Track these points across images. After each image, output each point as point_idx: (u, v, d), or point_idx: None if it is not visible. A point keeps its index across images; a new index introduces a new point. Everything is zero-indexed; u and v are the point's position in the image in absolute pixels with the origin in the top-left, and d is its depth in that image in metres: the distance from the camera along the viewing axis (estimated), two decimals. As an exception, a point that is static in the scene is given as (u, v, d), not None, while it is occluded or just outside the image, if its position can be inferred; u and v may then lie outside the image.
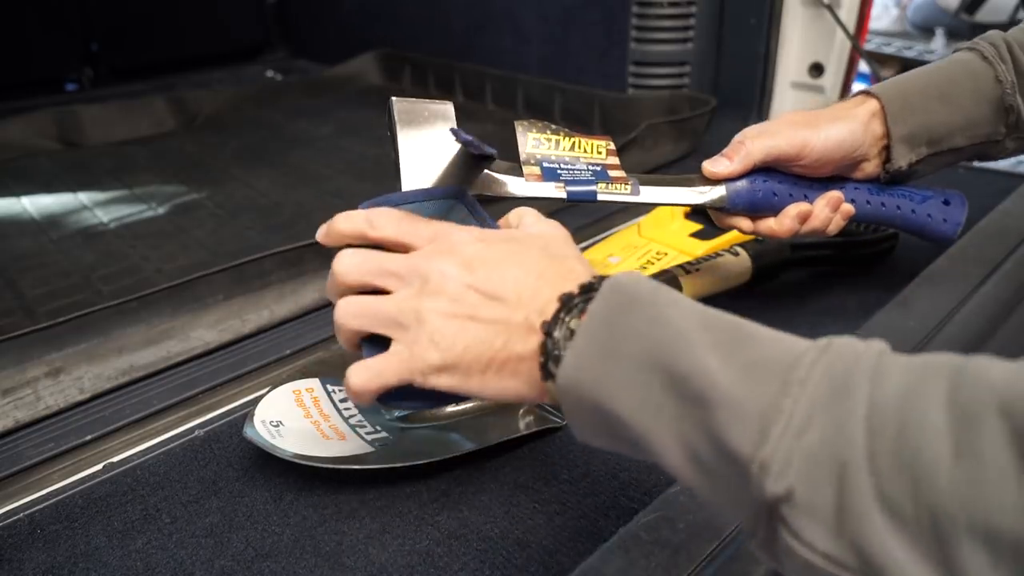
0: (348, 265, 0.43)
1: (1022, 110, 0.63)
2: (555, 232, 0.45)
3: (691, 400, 0.32)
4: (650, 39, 1.30)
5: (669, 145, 1.20)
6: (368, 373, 0.41)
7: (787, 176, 0.64)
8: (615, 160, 0.61)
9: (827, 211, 0.63)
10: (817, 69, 1.25)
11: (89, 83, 1.94)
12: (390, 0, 1.83)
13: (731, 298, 0.76)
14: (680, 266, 0.73)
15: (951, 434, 0.26)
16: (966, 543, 0.25)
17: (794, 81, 1.28)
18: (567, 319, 0.37)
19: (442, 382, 0.40)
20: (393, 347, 0.41)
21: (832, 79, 1.24)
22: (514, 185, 0.57)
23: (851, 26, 1.20)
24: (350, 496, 0.55)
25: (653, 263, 0.81)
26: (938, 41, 2.58)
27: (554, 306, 0.38)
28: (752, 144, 0.62)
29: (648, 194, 0.61)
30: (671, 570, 0.42)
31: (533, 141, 0.58)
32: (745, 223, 0.65)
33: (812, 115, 0.63)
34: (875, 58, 1.71)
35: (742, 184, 0.63)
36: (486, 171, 0.56)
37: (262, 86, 1.92)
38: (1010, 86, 0.62)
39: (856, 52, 1.22)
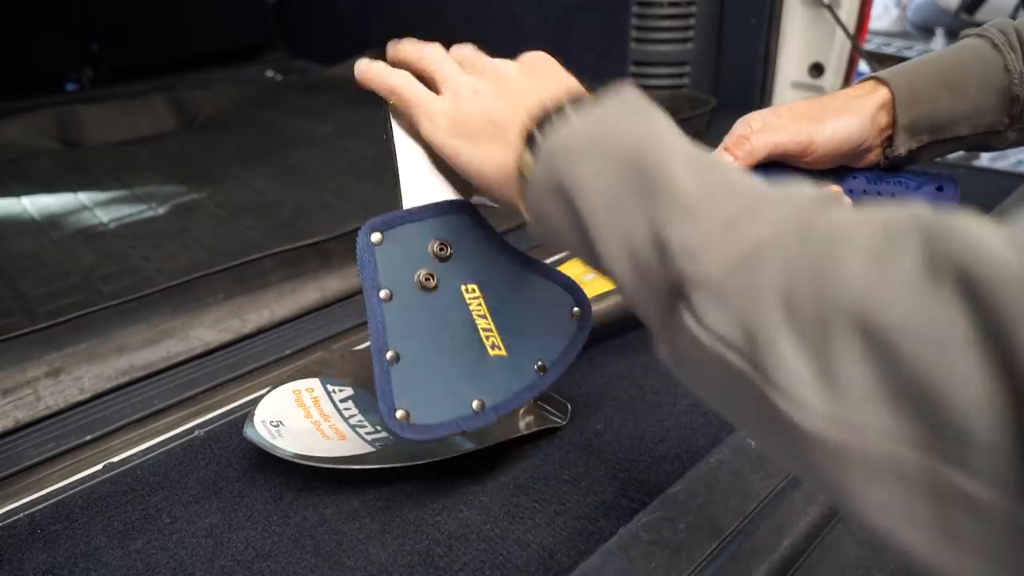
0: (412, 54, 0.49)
1: None
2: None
3: (648, 194, 0.34)
4: (650, 39, 1.30)
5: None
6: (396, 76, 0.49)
7: (788, 168, 0.64)
8: None
9: None
10: (817, 69, 1.25)
11: (89, 83, 1.94)
12: (390, 0, 1.83)
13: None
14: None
15: (871, 248, 0.27)
16: (846, 334, 0.26)
17: (794, 81, 1.28)
18: (567, 107, 0.40)
19: (443, 134, 0.46)
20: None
21: (832, 79, 1.24)
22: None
23: (851, 26, 1.20)
24: (350, 496, 0.55)
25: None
26: (938, 41, 2.58)
27: (559, 95, 0.42)
28: (757, 140, 0.61)
29: None
30: (671, 570, 0.42)
31: None
32: None
33: (819, 107, 0.62)
34: (875, 58, 1.71)
35: None
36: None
37: (262, 86, 1.93)
38: (1018, 76, 0.61)
39: (856, 52, 1.22)
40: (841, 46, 1.21)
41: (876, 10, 2.62)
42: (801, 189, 0.33)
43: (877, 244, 0.27)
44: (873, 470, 0.25)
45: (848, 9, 1.20)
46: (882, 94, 0.62)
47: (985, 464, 0.23)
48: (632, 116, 0.38)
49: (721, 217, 0.32)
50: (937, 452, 0.24)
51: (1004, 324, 0.22)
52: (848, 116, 0.61)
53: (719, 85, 1.33)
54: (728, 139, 0.62)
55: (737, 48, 1.29)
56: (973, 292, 0.23)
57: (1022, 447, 0.22)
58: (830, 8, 1.19)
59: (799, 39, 1.24)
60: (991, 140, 0.65)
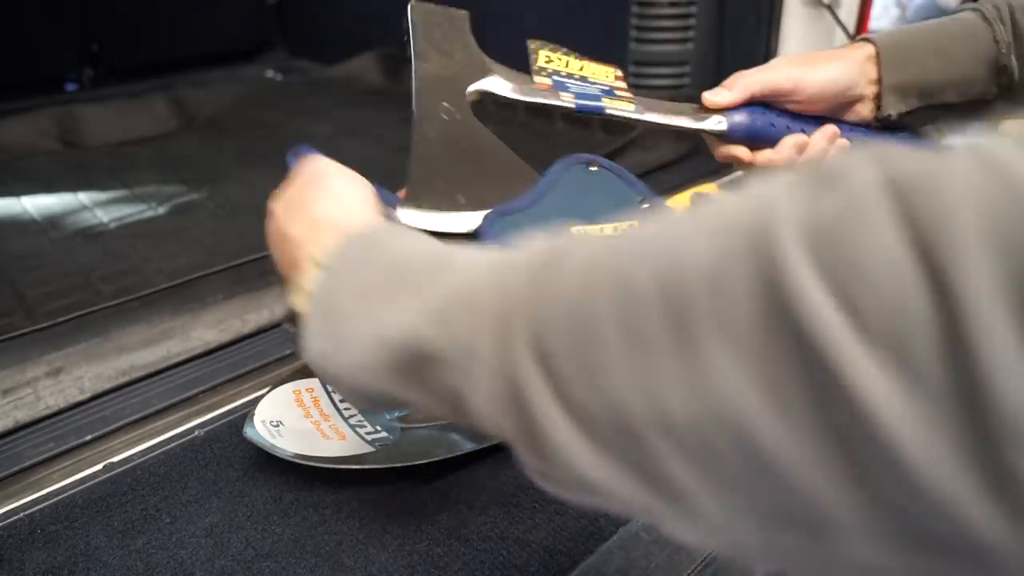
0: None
1: (1015, 73, 0.64)
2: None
3: (414, 371, 0.32)
4: (650, 39, 1.30)
5: (669, 145, 1.20)
6: None
7: (784, 112, 0.66)
8: (622, 84, 0.62)
9: (824, 143, 0.65)
10: (817, 69, 1.25)
11: (89, 83, 1.94)
12: (390, 0, 1.83)
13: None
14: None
15: (618, 323, 0.24)
16: (653, 439, 0.23)
17: (794, 81, 1.28)
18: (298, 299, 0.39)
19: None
20: None
21: (832, 79, 1.24)
22: (525, 92, 0.58)
23: (851, 26, 1.20)
24: (350, 496, 0.55)
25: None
26: (938, 41, 2.58)
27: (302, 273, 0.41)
28: (750, 76, 0.64)
29: (651, 115, 0.62)
30: (671, 570, 0.42)
31: (544, 57, 0.60)
32: (743, 152, 0.66)
33: (809, 55, 0.65)
34: (875, 58, 1.71)
35: (741, 114, 0.65)
36: (496, 75, 0.56)
37: (262, 86, 1.93)
38: (1006, 47, 0.63)
39: (856, 52, 1.22)
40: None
41: (876, 10, 2.61)
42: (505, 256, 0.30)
43: (622, 320, 0.24)
44: None
45: (848, 9, 1.20)
46: (868, 48, 0.65)
47: None
48: (342, 290, 0.35)
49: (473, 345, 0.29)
50: None
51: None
52: (836, 61, 0.64)
53: (719, 85, 1.33)
54: (725, 81, 0.65)
55: (737, 48, 1.29)
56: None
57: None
58: (830, 8, 1.19)
59: (799, 39, 1.24)
60: (981, 109, 0.67)
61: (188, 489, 0.56)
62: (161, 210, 1.19)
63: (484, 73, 0.56)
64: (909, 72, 0.64)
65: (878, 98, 0.66)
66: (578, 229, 0.33)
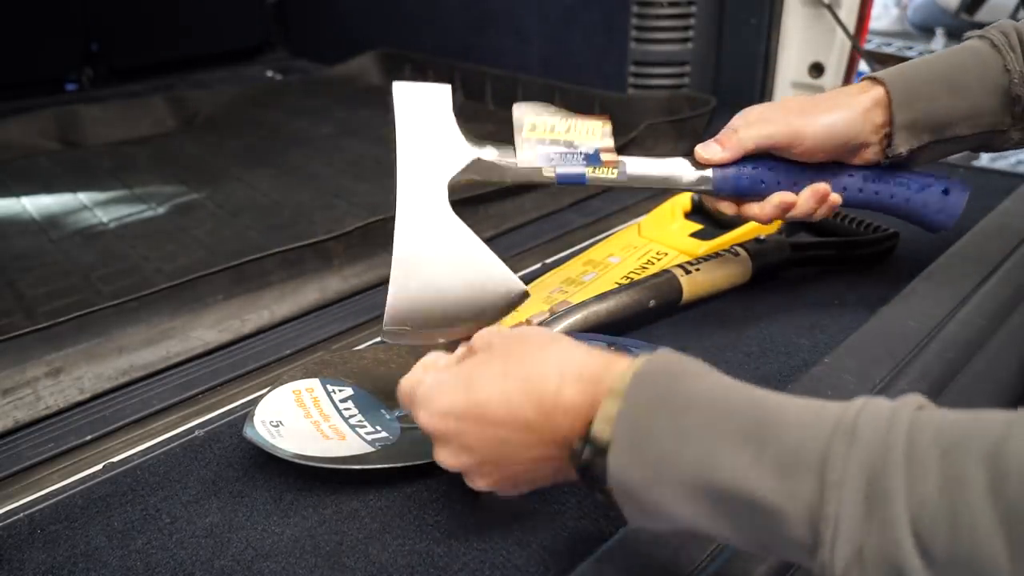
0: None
1: None
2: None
3: (739, 515, 0.33)
4: (650, 39, 1.30)
5: (669, 145, 1.20)
6: None
7: (779, 161, 0.65)
8: (610, 142, 0.61)
9: (811, 202, 0.63)
10: (817, 69, 1.25)
11: (89, 83, 1.94)
12: (390, 0, 1.83)
13: (731, 298, 0.76)
14: (680, 266, 0.73)
15: (1003, 535, 0.26)
16: None
17: (794, 81, 1.28)
18: (589, 455, 0.38)
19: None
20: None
21: (832, 79, 1.24)
22: (505, 171, 0.58)
23: (851, 26, 1.20)
24: (350, 496, 0.55)
25: (653, 263, 0.81)
26: (938, 41, 2.58)
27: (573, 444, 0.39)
28: (745, 133, 0.62)
29: (635, 179, 0.62)
30: (671, 570, 0.42)
31: (530, 126, 0.60)
32: (729, 207, 0.65)
33: (810, 102, 0.63)
34: (875, 58, 1.71)
35: (730, 170, 0.64)
36: (478, 156, 0.56)
37: (262, 86, 1.92)
38: (1018, 76, 0.61)
39: (856, 52, 1.22)
40: (841, 46, 1.21)
41: (876, 10, 2.61)
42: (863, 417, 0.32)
43: (1007, 534, 0.27)
44: None
45: (848, 9, 1.20)
46: (876, 92, 0.63)
47: None
48: (658, 433, 0.36)
49: (818, 515, 0.31)
50: None
51: None
52: (838, 111, 0.62)
53: (719, 85, 1.33)
54: (720, 133, 0.64)
55: (737, 48, 1.29)
56: None
57: None
58: (830, 8, 1.19)
59: (799, 39, 1.24)
60: (994, 140, 0.65)
61: (188, 489, 0.56)
62: (161, 210, 1.19)
63: (466, 159, 0.56)
64: (920, 108, 0.62)
65: (887, 139, 0.64)
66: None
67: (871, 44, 2.57)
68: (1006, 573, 0.26)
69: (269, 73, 2.09)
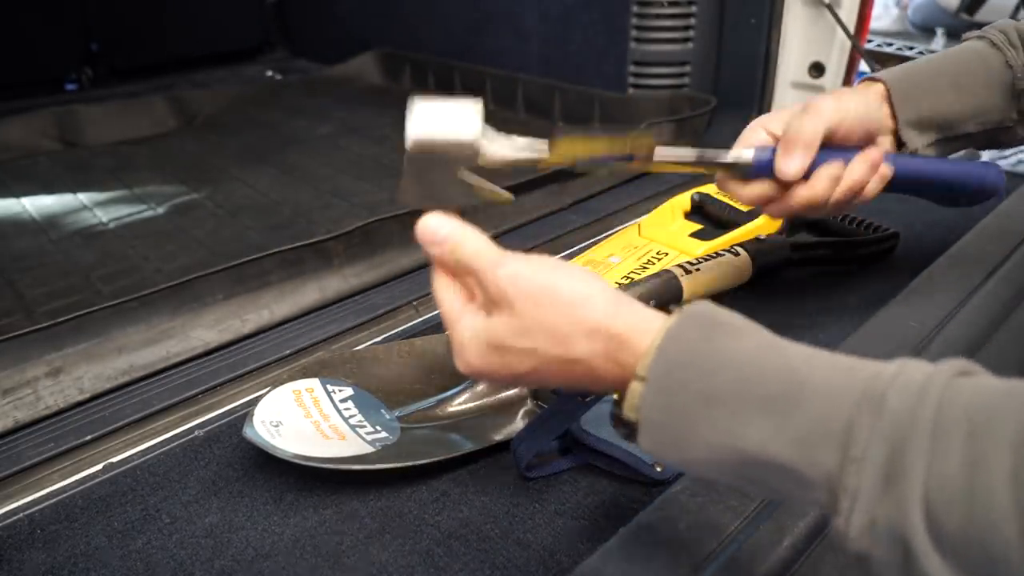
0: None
1: None
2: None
3: (762, 477, 0.35)
4: (650, 39, 1.30)
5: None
6: None
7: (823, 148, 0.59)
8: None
9: (863, 169, 0.59)
10: (817, 69, 1.25)
11: (89, 83, 1.94)
12: (390, 0, 1.83)
13: (731, 298, 0.76)
14: (680, 266, 0.73)
15: (1019, 521, 0.27)
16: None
17: (794, 81, 1.28)
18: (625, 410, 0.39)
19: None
20: None
21: (832, 79, 1.24)
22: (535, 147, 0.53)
23: (851, 26, 1.20)
24: (350, 496, 0.55)
25: (653, 263, 0.81)
26: (938, 41, 2.58)
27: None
28: (803, 129, 0.58)
29: (669, 156, 0.56)
30: (671, 570, 0.42)
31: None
32: (772, 189, 0.59)
33: (825, 94, 0.62)
34: (875, 58, 1.71)
35: (766, 148, 0.59)
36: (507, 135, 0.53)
37: (262, 86, 1.92)
38: (1020, 71, 0.61)
39: (856, 52, 1.22)
40: (841, 46, 1.21)
41: (876, 10, 2.61)
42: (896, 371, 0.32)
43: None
44: None
45: (848, 9, 1.20)
46: (878, 87, 0.63)
47: None
48: (689, 393, 0.36)
49: (837, 484, 0.31)
50: None
51: None
52: (857, 96, 0.62)
53: (719, 85, 1.33)
54: (784, 144, 0.58)
55: (737, 48, 1.29)
56: None
57: None
58: (830, 8, 1.19)
59: (799, 39, 1.24)
60: (1002, 136, 0.65)
61: (188, 489, 0.56)
62: (161, 210, 1.19)
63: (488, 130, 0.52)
64: (924, 107, 0.62)
65: (895, 136, 0.63)
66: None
67: (871, 44, 2.57)
68: (1017, 560, 0.26)
69: (269, 73, 2.08)
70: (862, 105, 0.61)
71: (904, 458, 0.30)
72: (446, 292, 0.44)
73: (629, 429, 0.39)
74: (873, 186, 0.60)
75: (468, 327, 0.42)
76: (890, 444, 0.30)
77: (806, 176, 0.58)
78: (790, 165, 0.57)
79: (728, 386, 0.35)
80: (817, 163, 0.58)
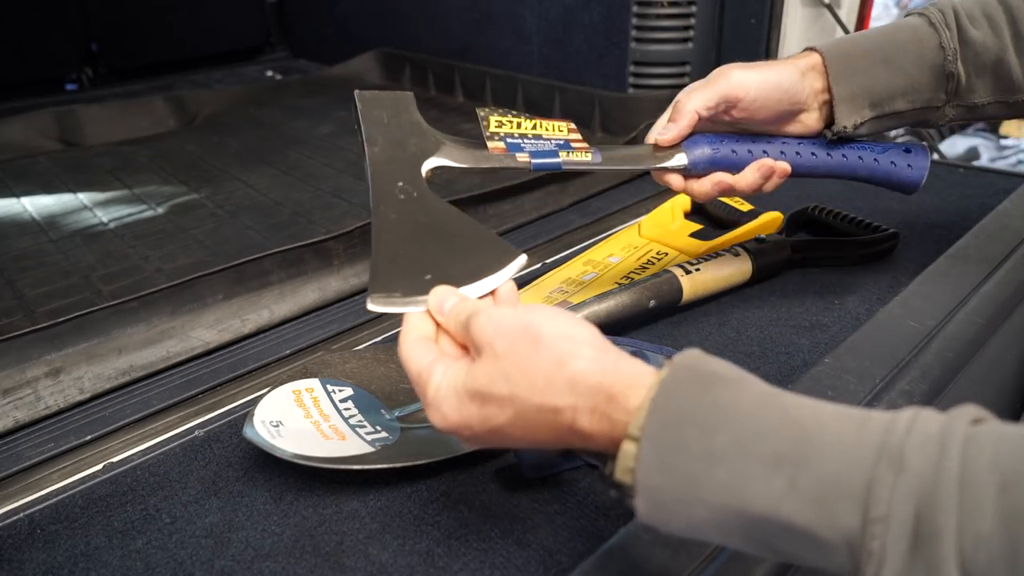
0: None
1: (962, 78, 0.63)
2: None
3: (773, 538, 0.32)
4: (650, 39, 1.30)
5: (669, 145, 1.20)
6: None
7: (742, 136, 0.65)
8: (577, 136, 0.63)
9: (755, 177, 0.63)
10: (817, 69, 1.25)
11: (89, 83, 1.94)
12: (390, 0, 1.83)
13: (731, 298, 0.76)
14: (680, 266, 0.73)
15: None
16: None
17: (794, 81, 1.28)
18: (615, 470, 0.36)
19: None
20: None
21: (832, 79, 1.24)
22: (479, 159, 0.59)
23: (851, 26, 1.20)
24: (350, 496, 0.55)
25: (653, 263, 0.81)
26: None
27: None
28: (689, 98, 0.63)
29: (609, 160, 0.63)
30: (671, 570, 0.42)
31: (495, 122, 0.61)
32: (710, 187, 0.64)
33: (748, 64, 0.64)
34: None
35: (701, 146, 0.64)
36: (447, 148, 0.57)
37: (262, 86, 1.92)
38: (952, 53, 0.62)
39: (856, 52, 1.22)
40: (841, 46, 1.21)
41: (876, 10, 2.61)
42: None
43: None
44: None
45: (848, 9, 1.20)
46: (813, 58, 0.64)
47: None
48: (688, 452, 0.34)
49: (860, 550, 0.29)
50: None
51: None
52: (777, 67, 0.63)
53: (667, 119, 1.33)
54: (669, 115, 0.64)
55: (737, 48, 1.29)
56: None
57: None
58: (830, 8, 1.19)
59: (799, 39, 1.24)
60: (930, 116, 0.65)
61: (188, 489, 0.56)
62: (161, 210, 1.19)
63: (436, 148, 0.56)
64: (858, 82, 0.63)
65: (828, 108, 0.64)
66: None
67: (871, 44, 2.57)
68: None
69: (269, 73, 2.09)
70: (786, 77, 0.62)
71: (933, 516, 0.27)
72: (417, 346, 0.43)
73: (621, 493, 0.36)
74: (771, 184, 0.65)
75: (443, 375, 0.41)
76: (915, 502, 0.28)
77: (739, 170, 0.64)
78: (665, 134, 0.64)
79: (731, 443, 0.33)
80: (737, 152, 0.64)
